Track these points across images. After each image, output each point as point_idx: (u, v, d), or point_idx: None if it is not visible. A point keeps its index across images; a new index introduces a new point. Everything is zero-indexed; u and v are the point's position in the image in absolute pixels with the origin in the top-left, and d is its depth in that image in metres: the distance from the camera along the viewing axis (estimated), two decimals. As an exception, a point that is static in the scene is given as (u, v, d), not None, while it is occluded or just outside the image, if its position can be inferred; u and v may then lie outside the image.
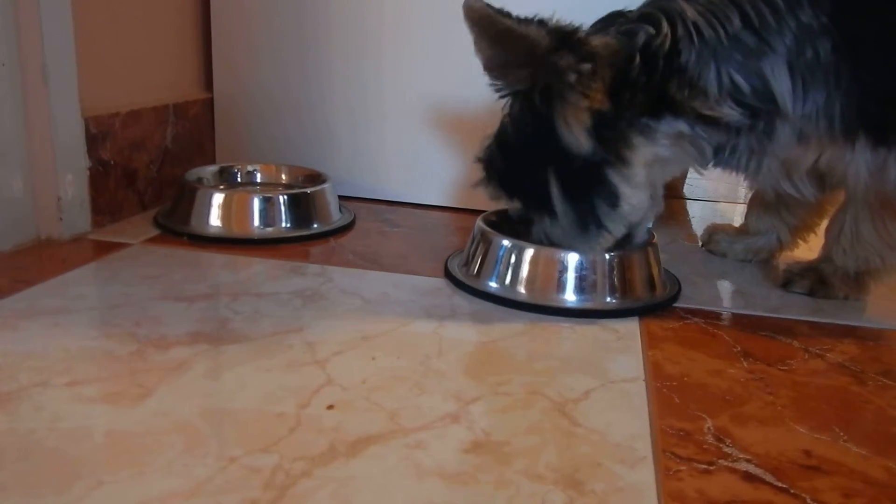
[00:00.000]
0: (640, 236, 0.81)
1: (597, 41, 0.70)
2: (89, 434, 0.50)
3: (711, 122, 0.73)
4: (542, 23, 0.70)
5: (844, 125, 0.73)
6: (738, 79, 0.71)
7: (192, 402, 0.55)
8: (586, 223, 0.76)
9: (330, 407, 0.55)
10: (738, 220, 1.03)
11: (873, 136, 0.73)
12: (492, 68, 0.74)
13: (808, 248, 0.96)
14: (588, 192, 0.74)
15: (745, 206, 0.99)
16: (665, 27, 0.70)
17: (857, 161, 0.75)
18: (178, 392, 0.56)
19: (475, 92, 0.81)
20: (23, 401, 0.54)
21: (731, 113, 0.71)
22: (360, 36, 1.11)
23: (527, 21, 0.69)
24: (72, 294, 0.73)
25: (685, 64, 0.70)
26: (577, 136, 0.71)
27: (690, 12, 0.70)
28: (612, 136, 0.72)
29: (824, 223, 0.90)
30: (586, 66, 0.69)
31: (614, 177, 0.73)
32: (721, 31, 0.70)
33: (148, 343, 0.64)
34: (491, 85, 0.75)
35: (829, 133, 0.74)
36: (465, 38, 0.71)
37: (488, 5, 0.69)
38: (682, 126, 0.73)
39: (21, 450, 0.48)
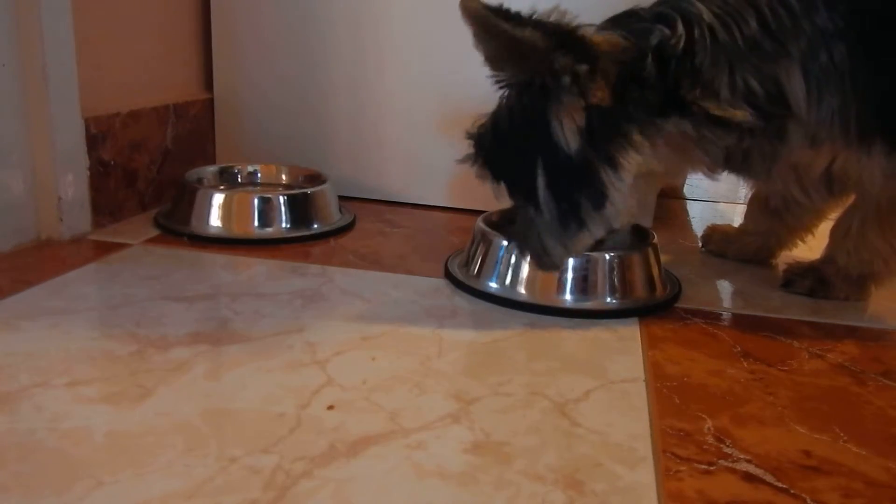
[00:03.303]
0: (617, 241, 0.80)
1: (598, 38, 0.70)
2: (89, 434, 0.50)
3: (721, 124, 0.72)
4: (538, 23, 0.68)
5: (860, 130, 0.72)
6: (753, 83, 0.70)
7: (192, 402, 0.55)
8: (568, 220, 0.74)
9: (330, 407, 0.55)
10: (737, 221, 1.03)
11: (890, 142, 0.73)
12: (492, 60, 0.73)
13: (808, 249, 0.96)
14: (574, 189, 0.73)
15: (745, 206, 0.99)
16: (680, 29, 0.70)
17: (873, 166, 0.74)
18: (178, 392, 0.56)
19: (476, 91, 0.81)
20: (23, 401, 0.54)
21: (742, 114, 0.71)
22: (360, 36, 1.11)
23: (523, 22, 0.68)
24: (72, 294, 0.73)
25: (699, 66, 0.70)
26: (567, 135, 0.70)
27: (707, 14, 0.70)
28: (610, 133, 0.71)
29: (823, 224, 0.89)
30: (583, 67, 0.69)
31: (605, 178, 0.72)
32: (737, 34, 0.69)
33: (148, 343, 0.64)
34: (491, 76, 0.75)
35: (843, 137, 0.73)
36: (465, 37, 0.71)
37: (484, 5, 0.68)
38: (687, 127, 0.72)
39: (21, 450, 0.48)
